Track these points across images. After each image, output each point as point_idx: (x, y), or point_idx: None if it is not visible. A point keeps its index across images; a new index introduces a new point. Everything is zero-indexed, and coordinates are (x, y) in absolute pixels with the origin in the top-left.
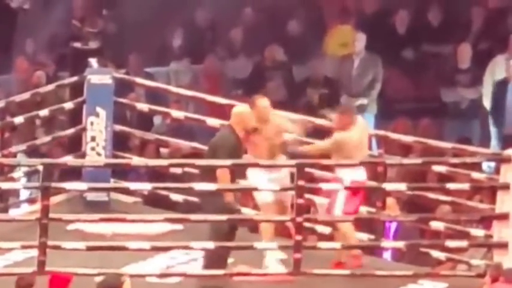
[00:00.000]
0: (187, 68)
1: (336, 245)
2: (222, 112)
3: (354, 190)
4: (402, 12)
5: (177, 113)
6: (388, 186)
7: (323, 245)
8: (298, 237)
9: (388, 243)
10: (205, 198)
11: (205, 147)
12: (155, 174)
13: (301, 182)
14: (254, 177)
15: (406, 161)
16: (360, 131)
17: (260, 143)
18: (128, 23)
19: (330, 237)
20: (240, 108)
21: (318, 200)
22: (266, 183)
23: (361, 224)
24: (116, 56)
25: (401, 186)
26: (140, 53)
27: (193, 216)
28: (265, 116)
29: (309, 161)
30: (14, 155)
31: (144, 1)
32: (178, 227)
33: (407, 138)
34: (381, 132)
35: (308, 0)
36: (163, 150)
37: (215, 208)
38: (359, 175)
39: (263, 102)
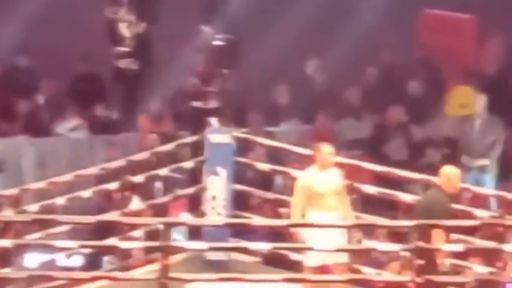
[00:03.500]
0: (296, 128)
1: None
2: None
3: None
4: None
5: (298, 173)
6: (509, 247)
7: None
8: None
9: None
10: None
11: None
12: (275, 234)
13: (420, 243)
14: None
15: None
16: None
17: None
18: (248, 82)
19: None
20: (448, 169)
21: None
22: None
23: (482, 285)
24: (236, 115)
25: None
26: (260, 112)
27: (312, 276)
28: (327, 163)
29: (429, 221)
30: (134, 214)
31: (264, 60)
32: (298, 286)
33: None
34: (502, 193)
35: (428, 61)
36: (283, 210)
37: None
38: None
39: (327, 148)
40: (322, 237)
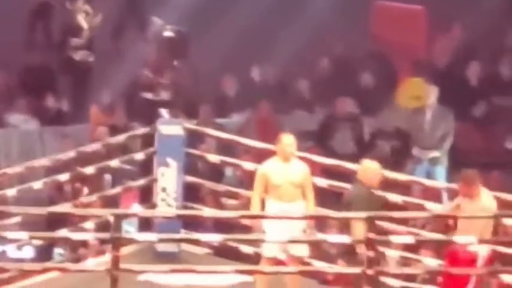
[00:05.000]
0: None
1: None
2: None
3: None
4: (474, 64)
5: (249, 165)
6: (459, 239)
7: None
8: None
9: None
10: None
11: None
12: (224, 225)
13: (371, 235)
14: (270, 225)
15: (477, 214)
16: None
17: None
18: (199, 74)
19: None
20: (366, 163)
21: (389, 252)
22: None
23: (433, 277)
24: (187, 106)
25: (472, 239)
26: (211, 104)
27: (263, 268)
28: (287, 154)
29: (379, 213)
30: (85, 205)
31: (215, 51)
32: (249, 278)
33: None
34: (453, 185)
35: (379, 53)
36: (231, 201)
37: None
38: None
39: (287, 139)
40: (280, 229)
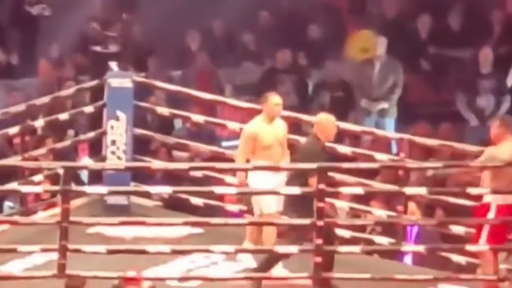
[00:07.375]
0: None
1: (355, 248)
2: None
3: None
4: (423, 16)
5: (197, 117)
6: (409, 190)
7: (343, 249)
8: (319, 241)
9: (408, 247)
10: (294, 202)
11: (224, 151)
12: (174, 178)
13: (322, 186)
14: (260, 182)
15: (427, 164)
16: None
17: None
18: (148, 26)
19: (350, 241)
20: (323, 116)
21: (339, 204)
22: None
23: (382, 228)
24: (136, 59)
25: (422, 190)
26: (160, 57)
27: (213, 220)
28: (275, 113)
29: (330, 164)
30: (34, 159)
31: (163, 5)
32: (198, 230)
33: (429, 142)
34: (403, 136)
35: (328, 5)
36: (181, 153)
37: (303, 212)
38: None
39: (275, 99)
40: (268, 185)
